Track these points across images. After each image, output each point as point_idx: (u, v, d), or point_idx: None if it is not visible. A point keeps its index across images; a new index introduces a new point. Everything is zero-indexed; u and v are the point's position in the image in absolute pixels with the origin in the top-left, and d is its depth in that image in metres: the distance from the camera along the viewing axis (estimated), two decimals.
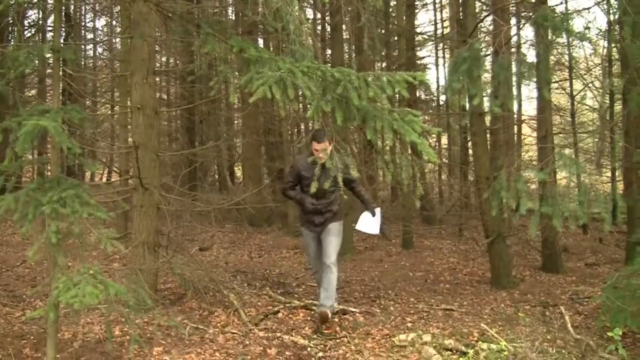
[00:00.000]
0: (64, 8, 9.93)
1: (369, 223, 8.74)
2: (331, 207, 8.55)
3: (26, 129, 5.45)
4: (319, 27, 21.51)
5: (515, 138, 20.26)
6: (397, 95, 12.97)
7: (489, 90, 8.49)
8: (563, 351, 6.92)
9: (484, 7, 18.26)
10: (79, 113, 6.35)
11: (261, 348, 7.29)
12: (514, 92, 9.81)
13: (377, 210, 8.77)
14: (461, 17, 14.73)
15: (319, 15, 20.37)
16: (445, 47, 26.35)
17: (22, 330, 8.21)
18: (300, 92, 5.92)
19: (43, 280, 10.85)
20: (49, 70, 20.57)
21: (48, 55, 6.61)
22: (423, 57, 26.53)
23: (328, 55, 17.58)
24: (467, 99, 8.69)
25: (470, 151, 18.84)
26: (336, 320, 8.48)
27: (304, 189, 8.43)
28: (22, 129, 5.51)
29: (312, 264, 9.12)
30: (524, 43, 16.67)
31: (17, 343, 7.56)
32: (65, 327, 8.05)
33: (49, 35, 22.59)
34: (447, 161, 24.63)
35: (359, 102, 5.52)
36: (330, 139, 7.69)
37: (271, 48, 15.85)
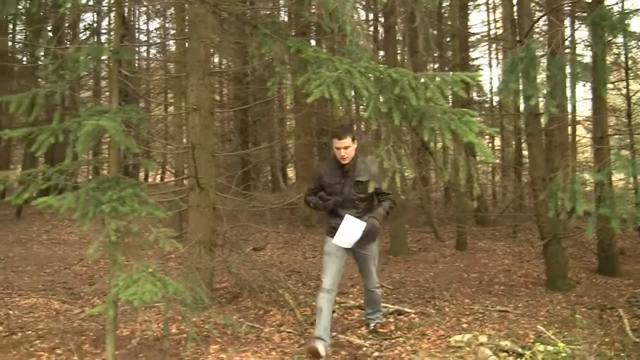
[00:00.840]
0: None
1: (348, 231, 7.12)
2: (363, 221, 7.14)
3: (86, 129, 5.53)
4: (372, 28, 21.50)
5: (570, 139, 20.06)
6: (450, 97, 12.94)
7: (544, 91, 8.40)
8: (622, 354, 6.82)
9: (538, 8, 18.08)
10: (137, 113, 6.43)
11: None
12: (569, 92, 9.72)
13: (365, 225, 7.12)
14: (515, 18, 14.63)
15: (371, 16, 20.35)
16: (498, 48, 26.17)
17: (82, 326, 8.34)
18: (356, 93, 5.92)
19: (101, 278, 11.03)
20: (103, 73, 20.92)
21: (107, 57, 6.72)
22: (476, 58, 26.38)
23: (381, 57, 17.53)
24: (522, 100, 8.62)
25: (525, 152, 18.67)
26: (391, 320, 8.48)
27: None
28: (82, 129, 5.59)
29: (326, 282, 7.14)
30: (579, 43, 16.48)
31: (77, 339, 7.68)
32: (123, 324, 8.16)
33: (104, 38, 22.90)
34: (500, 162, 24.43)
35: (417, 103, 5.51)
36: (353, 137, 7.11)
37: (324, 49, 15.86)
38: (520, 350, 6.93)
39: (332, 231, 7.25)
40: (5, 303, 9.79)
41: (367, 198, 7.23)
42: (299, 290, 10.19)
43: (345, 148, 7.02)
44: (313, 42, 18.48)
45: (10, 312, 9.25)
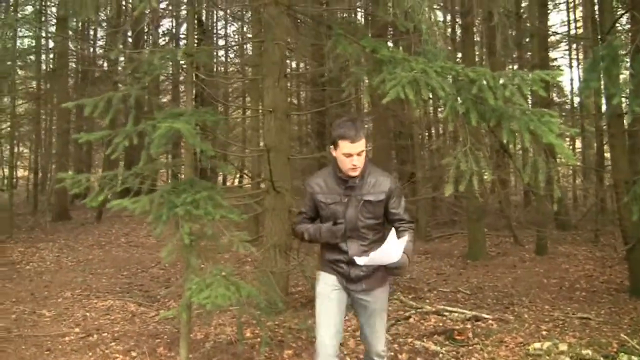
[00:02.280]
0: (196, 15, 10.14)
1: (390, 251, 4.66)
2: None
3: (160, 132, 5.53)
4: (449, 29, 21.31)
5: None
6: (529, 98, 12.69)
7: (627, 90, 8.14)
8: None
9: (619, 5, 17.68)
10: (212, 116, 6.43)
11: (392, 353, 7.20)
12: None
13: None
14: (596, 16, 14.32)
15: (449, 17, 20.18)
16: (578, 48, 25.72)
17: (157, 329, 8.38)
18: (433, 93, 5.81)
19: (176, 282, 11.10)
20: (181, 78, 21.16)
21: (181, 60, 6.73)
22: (556, 59, 25.93)
23: (459, 58, 17.35)
24: (604, 100, 8.38)
25: (607, 154, 18.26)
26: (469, 326, 8.32)
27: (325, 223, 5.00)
28: (157, 131, 5.60)
29: (323, 339, 4.98)
30: None
31: (152, 342, 7.72)
32: (197, 327, 8.18)
33: (182, 43, 23.19)
34: (582, 165, 23.98)
35: (494, 103, 5.37)
36: (367, 141, 4.89)
37: (401, 50, 15.77)
38: (602, 359, 6.72)
39: (330, 266, 5.02)
40: (83, 305, 9.93)
41: (377, 225, 4.92)
42: None
43: (359, 154, 4.73)
44: (390, 43, 18.38)
45: (88, 314, 9.38)
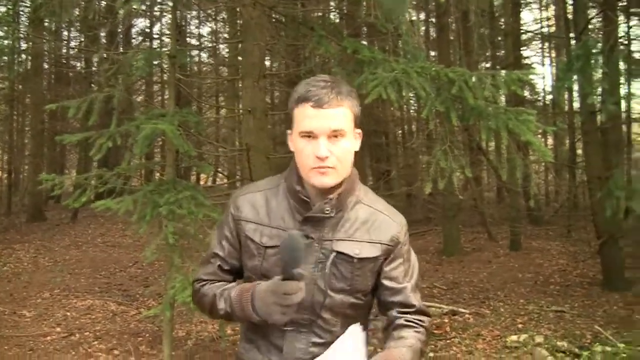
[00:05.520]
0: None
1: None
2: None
3: (145, 133, 5.61)
4: (423, 29, 21.44)
5: (626, 137, 19.80)
6: (502, 95, 12.86)
7: (600, 89, 8.31)
8: None
9: (592, 4, 17.90)
10: (194, 116, 6.52)
11: (371, 347, 7.28)
12: (624, 89, 9.63)
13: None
14: (567, 15, 14.49)
15: (422, 16, 20.32)
16: (550, 46, 25.95)
17: (138, 327, 8.45)
18: (413, 93, 5.92)
19: (156, 280, 11.14)
20: (155, 77, 21.14)
21: (164, 61, 6.81)
22: (528, 57, 26.14)
23: (433, 57, 17.48)
24: (577, 97, 8.54)
25: (579, 151, 18.46)
26: (446, 320, 8.45)
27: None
28: (141, 132, 5.66)
29: None
30: (635, 39, 16.28)
31: (134, 340, 7.80)
32: (179, 325, 8.24)
33: (155, 43, 23.19)
34: (554, 161, 24.18)
35: (474, 102, 5.49)
36: (356, 118, 2.42)
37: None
38: (577, 350, 6.89)
39: None
40: (62, 305, 9.96)
41: (357, 309, 2.48)
42: None
43: (334, 136, 2.32)
44: (364, 43, 18.46)
45: (68, 313, 9.41)
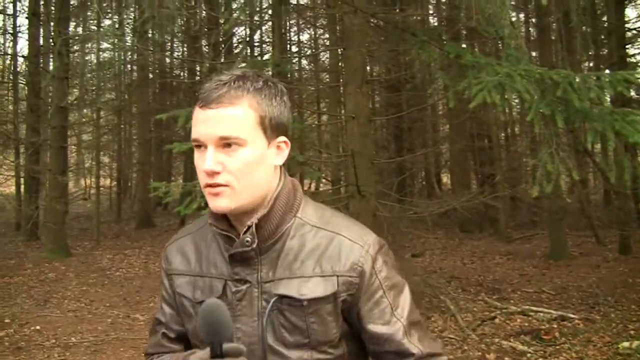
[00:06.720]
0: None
1: None
2: None
3: None
4: (523, 29, 21.21)
5: None
6: (607, 96, 12.62)
7: None
8: None
9: None
10: (299, 124, 6.61)
11: (479, 353, 7.29)
12: None
13: None
14: None
15: (522, 17, 20.11)
16: None
17: None
18: (517, 96, 5.89)
19: None
20: None
21: (270, 69, 6.93)
22: (632, 55, 25.46)
23: (535, 57, 17.27)
24: None
25: None
26: (555, 326, 8.34)
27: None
28: None
29: None
30: None
31: None
32: None
33: (257, 50, 23.53)
34: None
35: (580, 104, 5.43)
36: (273, 127, 1.82)
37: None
38: None
39: None
40: None
41: None
42: (460, 296, 10.17)
43: (222, 145, 1.74)
44: (465, 47, 18.39)
45: None
